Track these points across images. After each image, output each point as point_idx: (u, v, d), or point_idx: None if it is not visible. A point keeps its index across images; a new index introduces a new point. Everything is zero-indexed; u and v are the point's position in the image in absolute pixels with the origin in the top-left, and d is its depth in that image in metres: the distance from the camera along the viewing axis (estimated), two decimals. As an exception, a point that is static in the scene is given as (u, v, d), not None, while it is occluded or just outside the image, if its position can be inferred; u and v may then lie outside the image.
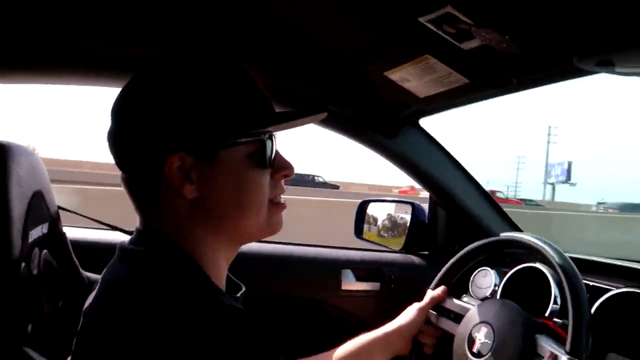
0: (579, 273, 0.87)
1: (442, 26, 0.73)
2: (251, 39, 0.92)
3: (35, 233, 0.74)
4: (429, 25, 0.74)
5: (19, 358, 0.55)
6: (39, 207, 0.76)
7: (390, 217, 1.61)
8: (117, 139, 0.63)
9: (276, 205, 0.67)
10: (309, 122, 0.74)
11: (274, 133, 0.66)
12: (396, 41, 0.84)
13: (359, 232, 1.65)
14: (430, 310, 1.04)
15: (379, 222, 1.62)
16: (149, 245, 0.61)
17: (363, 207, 1.68)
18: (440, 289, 1.06)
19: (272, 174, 0.66)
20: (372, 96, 1.10)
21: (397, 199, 1.67)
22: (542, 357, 0.79)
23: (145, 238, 0.63)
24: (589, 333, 0.79)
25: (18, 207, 0.65)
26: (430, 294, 1.06)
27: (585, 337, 0.78)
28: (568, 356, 0.75)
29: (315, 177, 26.85)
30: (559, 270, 0.87)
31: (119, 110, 0.62)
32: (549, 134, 48.63)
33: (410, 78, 0.94)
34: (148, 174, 0.60)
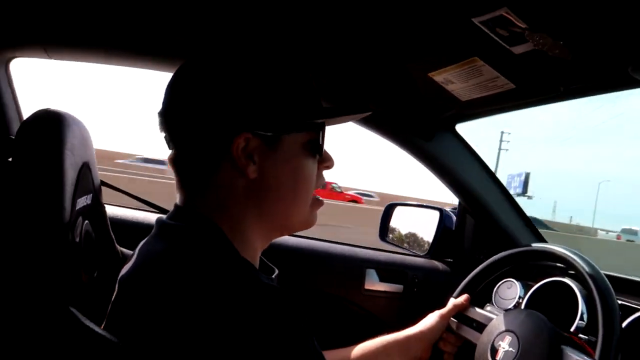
0: (612, 288, 0.85)
1: (495, 28, 0.73)
2: (299, 33, 0.93)
3: (81, 202, 0.76)
4: (482, 27, 0.74)
5: (64, 317, 0.56)
6: (86, 178, 0.78)
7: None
8: (175, 116, 0.63)
9: (317, 201, 0.70)
10: (356, 118, 0.76)
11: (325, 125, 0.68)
12: (445, 42, 0.84)
13: (384, 235, 1.64)
14: (452, 319, 1.03)
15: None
16: (187, 220, 0.62)
17: (389, 210, 1.68)
18: (463, 297, 1.05)
19: (318, 165, 0.68)
20: (412, 97, 1.10)
21: (424, 204, 1.66)
22: None
23: (184, 214, 0.64)
24: (618, 350, 0.77)
25: (70, 174, 0.67)
26: (452, 301, 1.05)
27: (614, 353, 0.76)
28: None
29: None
30: (591, 284, 0.85)
31: (183, 88, 0.63)
32: (500, 140, 46.24)
33: (455, 80, 0.94)
34: (209, 152, 0.61)
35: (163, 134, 0.65)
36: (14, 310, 0.56)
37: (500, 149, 46.24)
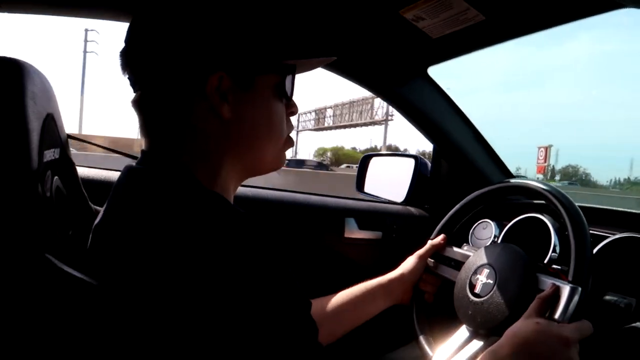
0: (583, 216, 0.88)
1: None
2: None
3: (49, 155, 0.73)
4: None
5: (41, 264, 0.55)
6: (52, 130, 0.75)
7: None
8: (142, 54, 0.60)
9: (288, 141, 0.69)
10: (327, 62, 0.74)
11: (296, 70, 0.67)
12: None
13: (360, 186, 1.66)
14: (430, 259, 1.06)
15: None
16: (153, 163, 0.61)
17: (365, 162, 1.69)
18: (439, 237, 1.08)
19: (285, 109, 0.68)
20: (384, 39, 1.08)
21: (399, 153, 1.68)
22: (543, 291, 0.79)
23: (150, 158, 0.62)
24: (590, 266, 0.80)
25: (34, 123, 0.64)
26: (430, 242, 1.08)
27: (587, 268, 0.78)
28: (571, 285, 0.76)
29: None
30: (563, 212, 0.87)
31: (151, 24, 0.60)
32: (85, 41, 38.17)
33: (425, 16, 0.92)
34: (181, 91, 0.59)
35: (126, 75, 0.63)
36: None
37: (85, 51, 38.68)
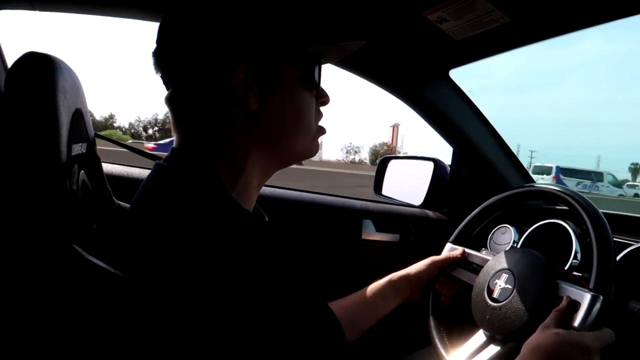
0: (605, 220, 0.85)
1: None
2: None
3: (76, 149, 0.75)
4: None
5: (67, 254, 0.56)
6: (80, 125, 0.77)
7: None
8: (171, 52, 0.62)
9: (320, 129, 0.70)
10: (348, 48, 0.74)
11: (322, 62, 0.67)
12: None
13: (378, 188, 1.65)
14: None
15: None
16: (180, 162, 0.62)
17: (383, 164, 1.68)
18: (458, 251, 1.06)
19: (315, 100, 0.68)
20: (406, 40, 1.08)
21: (418, 155, 1.67)
22: (563, 298, 0.78)
23: (179, 156, 0.63)
24: (613, 275, 0.78)
25: (64, 117, 0.65)
26: (447, 252, 1.07)
27: (609, 276, 0.77)
28: (592, 293, 0.74)
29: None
30: (586, 218, 0.85)
31: (176, 24, 0.62)
32: None
33: (449, 18, 0.92)
34: (206, 85, 0.61)
35: (159, 74, 0.64)
36: (18, 250, 0.56)
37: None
